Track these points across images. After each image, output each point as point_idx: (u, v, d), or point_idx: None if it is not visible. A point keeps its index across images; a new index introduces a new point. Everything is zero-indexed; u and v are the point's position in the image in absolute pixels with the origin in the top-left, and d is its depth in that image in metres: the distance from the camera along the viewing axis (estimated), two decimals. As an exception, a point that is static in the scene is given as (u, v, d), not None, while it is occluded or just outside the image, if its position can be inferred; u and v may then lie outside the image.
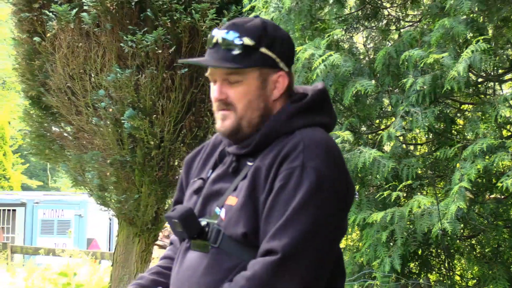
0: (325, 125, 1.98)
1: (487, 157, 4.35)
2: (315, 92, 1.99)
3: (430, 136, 5.30)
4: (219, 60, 1.94)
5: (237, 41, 1.92)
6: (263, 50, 1.93)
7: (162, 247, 9.42)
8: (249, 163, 1.94)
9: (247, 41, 1.91)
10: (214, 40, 1.95)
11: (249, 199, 1.88)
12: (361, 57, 5.27)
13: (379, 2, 5.50)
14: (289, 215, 1.81)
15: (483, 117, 4.78)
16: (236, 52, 1.92)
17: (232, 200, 1.91)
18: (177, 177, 7.00)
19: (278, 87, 1.96)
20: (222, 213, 1.92)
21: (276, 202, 1.84)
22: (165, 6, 6.37)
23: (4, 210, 19.41)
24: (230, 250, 1.89)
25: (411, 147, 5.53)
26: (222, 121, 1.96)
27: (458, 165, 4.54)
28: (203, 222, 1.94)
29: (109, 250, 16.11)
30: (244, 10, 5.49)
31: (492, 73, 5.15)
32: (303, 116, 1.95)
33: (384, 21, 5.58)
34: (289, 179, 1.84)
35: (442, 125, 5.04)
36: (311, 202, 1.82)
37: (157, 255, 8.79)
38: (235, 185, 1.93)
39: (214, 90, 1.97)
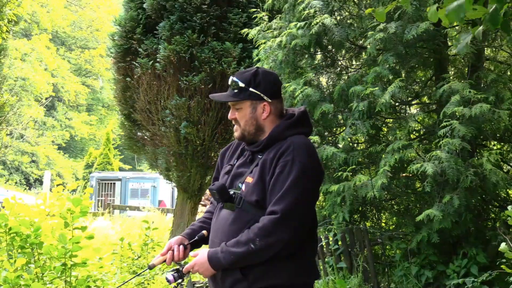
0: (306, 133, 1.97)
1: (401, 151, 4.31)
2: (298, 113, 1.98)
3: (367, 138, 5.26)
4: (226, 95, 1.95)
5: (236, 84, 1.92)
6: (251, 89, 1.91)
7: (203, 205, 9.43)
8: (259, 156, 1.92)
9: (240, 84, 1.92)
10: (229, 83, 1.95)
11: (260, 179, 1.87)
12: (325, 90, 5.23)
13: (335, 56, 5.47)
14: (284, 190, 1.80)
15: (399, 127, 4.74)
16: (235, 90, 1.92)
17: (249, 179, 1.90)
18: (213, 163, 6.97)
19: (265, 111, 1.94)
20: (243, 187, 1.90)
21: (276, 182, 1.83)
22: (206, 59, 6.36)
23: (108, 183, 19.48)
24: (248, 210, 1.88)
25: (355, 145, 5.48)
26: (235, 132, 1.98)
27: (383, 156, 4.50)
28: (231, 192, 1.92)
29: (172, 207, 16.09)
30: (253, 61, 5.48)
31: (404, 100, 5.10)
32: (292, 128, 1.93)
33: (339, 68, 5.54)
34: (284, 168, 1.83)
35: (373, 132, 5.00)
36: (298, 182, 1.81)
37: (200, 210, 8.78)
38: (251, 170, 1.92)
39: (229, 113, 1.97)
